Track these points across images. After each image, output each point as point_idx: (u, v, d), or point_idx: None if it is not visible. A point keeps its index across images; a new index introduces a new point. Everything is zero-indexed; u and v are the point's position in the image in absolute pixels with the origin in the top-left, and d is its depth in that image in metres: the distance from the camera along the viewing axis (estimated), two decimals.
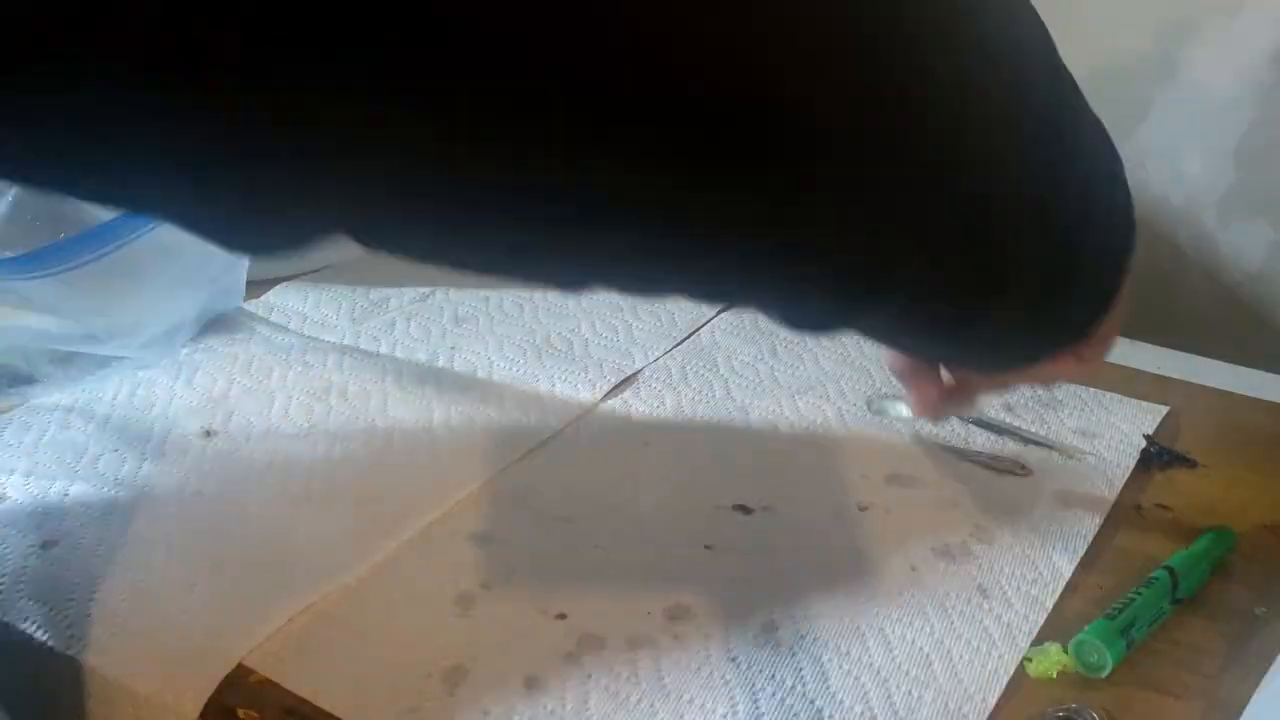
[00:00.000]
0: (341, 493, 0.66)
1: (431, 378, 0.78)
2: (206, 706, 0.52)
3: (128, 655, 0.54)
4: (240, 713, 0.51)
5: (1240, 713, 0.51)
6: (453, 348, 0.82)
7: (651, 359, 0.81)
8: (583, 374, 0.78)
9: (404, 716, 0.51)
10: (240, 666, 0.53)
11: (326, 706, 0.51)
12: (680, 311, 0.87)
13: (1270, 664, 0.53)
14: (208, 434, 0.71)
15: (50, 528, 0.62)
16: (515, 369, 0.79)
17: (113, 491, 0.65)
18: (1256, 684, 0.52)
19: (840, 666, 0.54)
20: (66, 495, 0.65)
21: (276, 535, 0.62)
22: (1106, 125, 0.87)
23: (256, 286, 0.90)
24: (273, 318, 0.86)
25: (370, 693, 0.52)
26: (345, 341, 0.83)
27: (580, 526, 0.64)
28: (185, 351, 0.81)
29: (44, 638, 0.55)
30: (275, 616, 0.56)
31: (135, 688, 0.52)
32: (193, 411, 0.74)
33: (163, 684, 0.52)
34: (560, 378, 0.78)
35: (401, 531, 0.62)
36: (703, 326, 0.86)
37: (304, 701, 0.51)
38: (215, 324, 0.84)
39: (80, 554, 0.60)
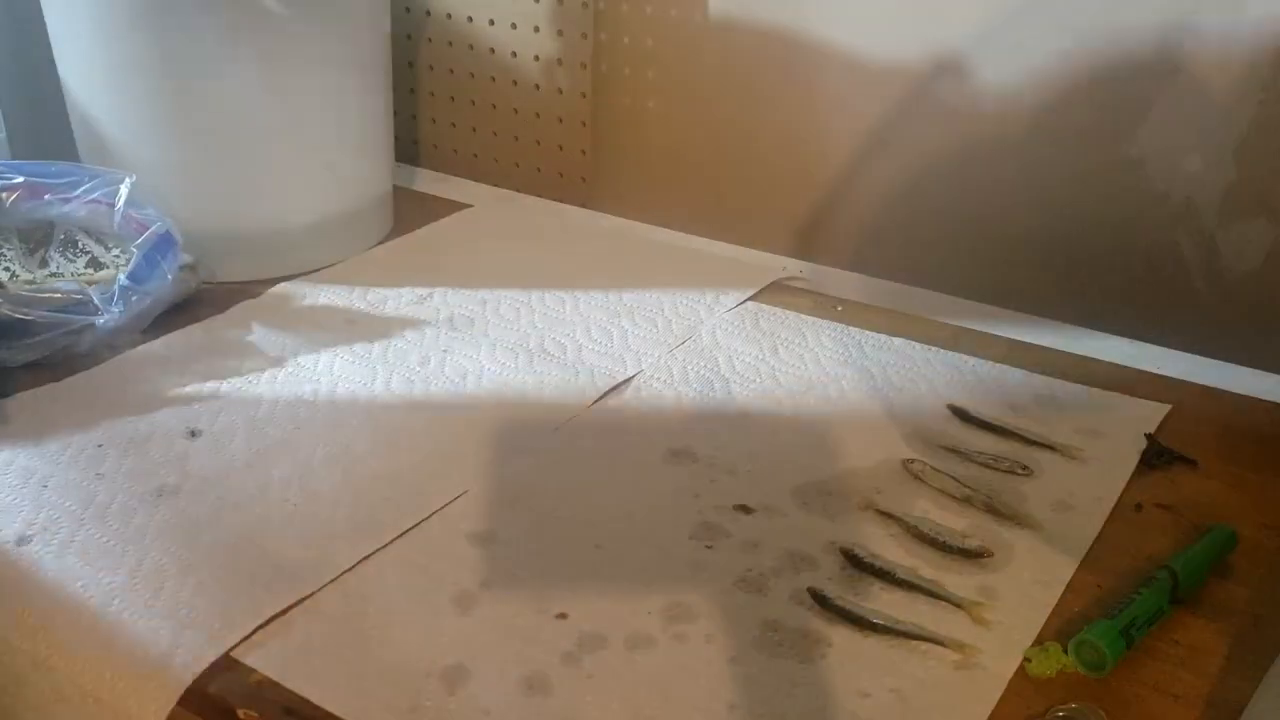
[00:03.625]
0: (319, 497, 0.66)
1: (420, 380, 0.78)
2: (206, 704, 0.52)
3: (92, 660, 0.54)
4: (240, 713, 0.51)
5: (1240, 713, 0.51)
6: (445, 350, 0.82)
7: (643, 366, 0.80)
8: (572, 380, 0.78)
9: (404, 716, 0.51)
10: (240, 666, 0.53)
11: (326, 706, 0.51)
12: (677, 319, 0.87)
13: (1270, 664, 0.53)
14: (193, 434, 0.71)
15: (27, 520, 0.62)
16: (506, 373, 0.79)
17: (91, 486, 0.65)
18: (1256, 684, 0.53)
19: (841, 666, 0.54)
20: (46, 487, 0.65)
21: (248, 539, 0.62)
22: (1107, 125, 0.87)
23: (255, 285, 0.90)
24: (269, 316, 0.86)
25: (370, 693, 0.52)
26: (339, 342, 0.83)
27: (580, 526, 0.64)
28: (176, 348, 0.81)
29: (12, 638, 0.54)
30: (240, 624, 0.55)
31: (100, 694, 0.52)
32: (180, 410, 0.73)
33: (125, 693, 0.52)
34: (549, 384, 0.78)
35: (377, 539, 0.62)
36: (691, 337, 0.86)
37: (304, 701, 0.51)
38: (205, 320, 0.84)
39: (53, 550, 0.60)
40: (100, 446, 0.70)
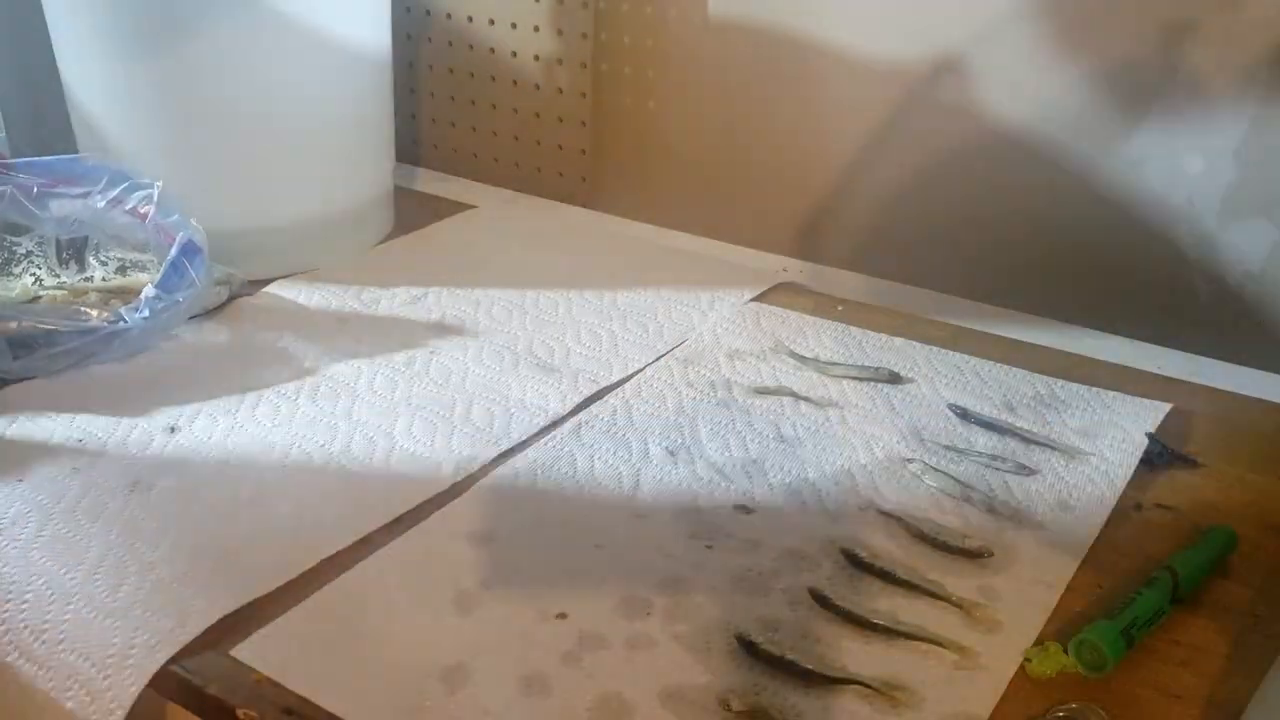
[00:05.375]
0: (288, 495, 0.65)
1: (403, 381, 0.78)
2: (206, 704, 0.52)
3: (54, 665, 0.53)
4: (240, 712, 0.51)
5: (1240, 713, 0.51)
6: (432, 352, 0.82)
7: (630, 372, 0.80)
8: (555, 385, 0.78)
9: (404, 716, 0.51)
10: (240, 666, 0.53)
11: (326, 706, 0.51)
12: (669, 324, 0.87)
13: (1270, 664, 0.53)
14: (172, 430, 0.71)
15: None
16: (490, 375, 0.79)
17: (66, 480, 0.65)
18: (1256, 684, 0.53)
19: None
20: (21, 481, 0.65)
21: (218, 536, 0.62)
22: (1107, 125, 0.88)
23: (251, 283, 0.90)
24: (262, 315, 0.86)
25: (370, 693, 0.52)
26: (328, 341, 0.83)
27: (580, 526, 0.63)
28: (164, 346, 0.81)
29: None
30: (193, 622, 0.55)
31: (61, 701, 0.52)
32: (163, 406, 0.73)
33: (85, 700, 0.52)
34: (531, 387, 0.77)
35: (341, 538, 0.61)
36: (690, 337, 0.86)
37: (304, 701, 0.51)
38: (197, 320, 0.84)
39: (19, 548, 0.60)
40: (80, 441, 0.70)
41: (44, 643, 0.54)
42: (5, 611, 0.56)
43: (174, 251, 0.80)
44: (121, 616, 0.55)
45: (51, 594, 0.57)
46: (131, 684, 0.52)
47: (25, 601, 0.57)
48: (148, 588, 0.57)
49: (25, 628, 0.55)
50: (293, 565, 0.59)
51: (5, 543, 0.60)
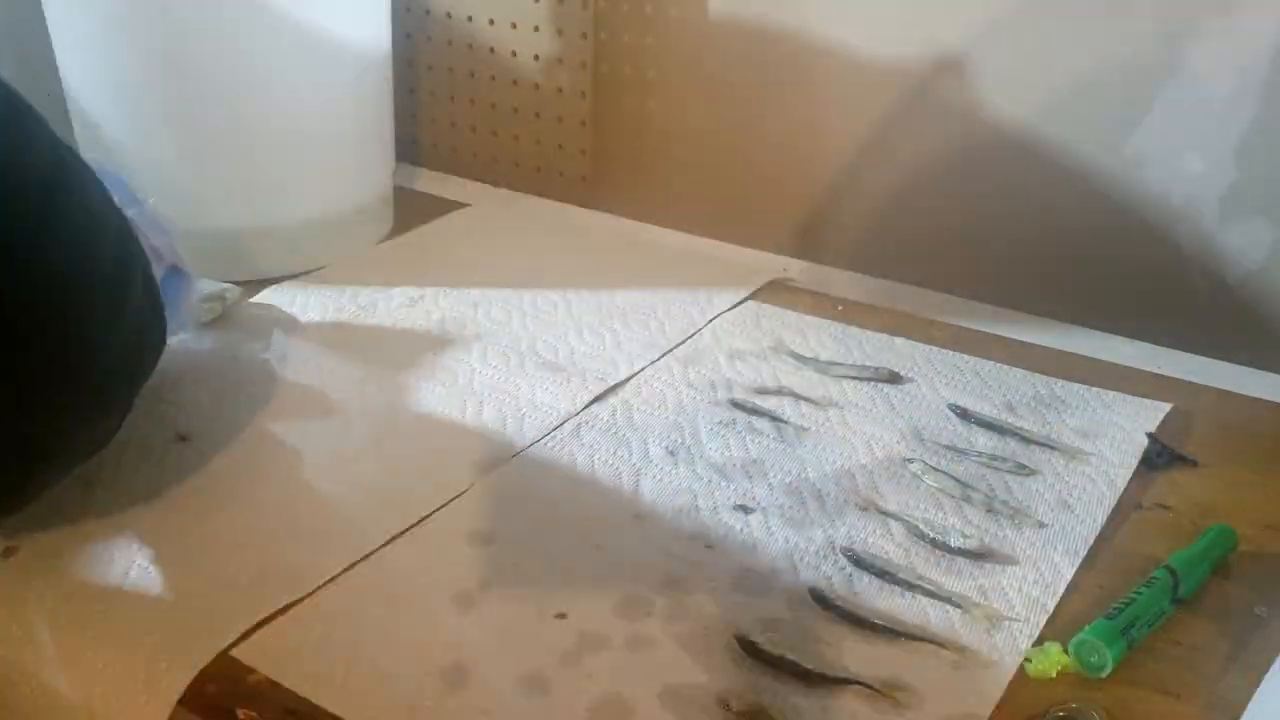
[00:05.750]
0: (307, 501, 0.65)
1: (412, 384, 0.78)
2: (206, 704, 0.52)
3: (83, 675, 0.53)
4: (240, 713, 0.51)
5: (1240, 713, 0.51)
6: (435, 354, 0.82)
7: (636, 369, 0.80)
8: (564, 384, 0.78)
9: (404, 716, 0.51)
10: (240, 666, 0.53)
11: (326, 706, 0.51)
12: (670, 320, 0.87)
13: (1270, 664, 0.53)
14: (182, 439, 0.71)
15: (14, 529, 0.62)
16: (497, 376, 0.79)
17: (81, 495, 0.65)
18: (1256, 684, 0.53)
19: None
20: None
21: (239, 543, 0.61)
22: (1107, 125, 0.87)
23: (248, 287, 0.90)
24: (261, 319, 0.86)
25: (370, 693, 0.52)
26: (327, 344, 0.83)
27: (580, 526, 0.63)
28: (167, 355, 0.81)
29: (3, 651, 0.54)
30: (230, 629, 0.55)
31: (91, 707, 0.52)
32: (168, 416, 0.73)
33: (116, 706, 0.52)
34: (540, 386, 0.77)
35: (366, 544, 0.61)
36: (690, 337, 0.86)
37: (304, 701, 0.51)
38: (200, 325, 0.84)
39: (40, 562, 0.60)
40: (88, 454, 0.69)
41: (71, 653, 0.55)
42: (30, 624, 0.56)
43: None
44: (155, 624, 0.56)
45: (78, 607, 0.57)
46: (169, 691, 0.52)
47: (51, 615, 0.57)
48: (179, 594, 0.58)
49: (52, 639, 0.55)
50: (325, 568, 0.59)
51: (25, 560, 0.60)
